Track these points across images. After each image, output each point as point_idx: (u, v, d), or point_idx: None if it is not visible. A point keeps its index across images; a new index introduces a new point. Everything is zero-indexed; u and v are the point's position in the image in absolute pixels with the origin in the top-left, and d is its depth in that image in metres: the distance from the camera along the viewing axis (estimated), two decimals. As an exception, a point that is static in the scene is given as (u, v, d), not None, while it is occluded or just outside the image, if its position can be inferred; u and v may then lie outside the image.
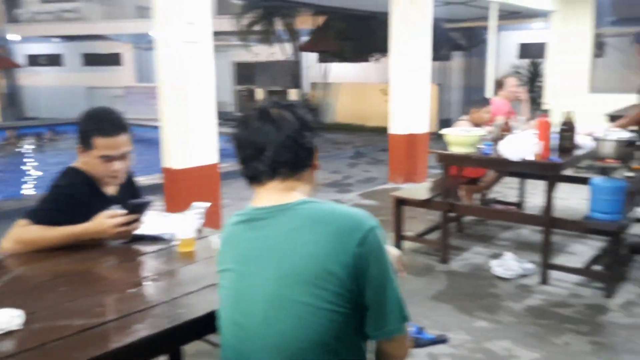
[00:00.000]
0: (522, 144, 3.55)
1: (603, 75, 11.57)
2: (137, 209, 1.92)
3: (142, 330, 1.34)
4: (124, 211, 1.89)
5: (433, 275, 3.91)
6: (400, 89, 6.72)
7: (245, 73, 16.59)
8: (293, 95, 13.71)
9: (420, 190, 4.60)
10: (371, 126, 12.40)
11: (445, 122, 11.47)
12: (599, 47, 11.73)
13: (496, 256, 4.06)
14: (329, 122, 13.82)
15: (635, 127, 4.31)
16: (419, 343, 2.86)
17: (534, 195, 5.76)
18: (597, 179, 3.46)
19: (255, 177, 1.31)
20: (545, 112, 3.73)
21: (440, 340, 2.91)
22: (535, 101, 10.88)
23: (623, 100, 8.19)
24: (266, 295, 1.22)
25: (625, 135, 3.49)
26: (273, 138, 1.27)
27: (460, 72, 14.84)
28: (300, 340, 1.18)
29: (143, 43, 16.17)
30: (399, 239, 4.31)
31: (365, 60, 13.44)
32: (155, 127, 4.91)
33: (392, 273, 1.24)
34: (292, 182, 1.30)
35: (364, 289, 1.20)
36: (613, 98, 8.70)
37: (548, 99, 9.65)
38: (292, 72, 14.41)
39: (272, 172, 1.29)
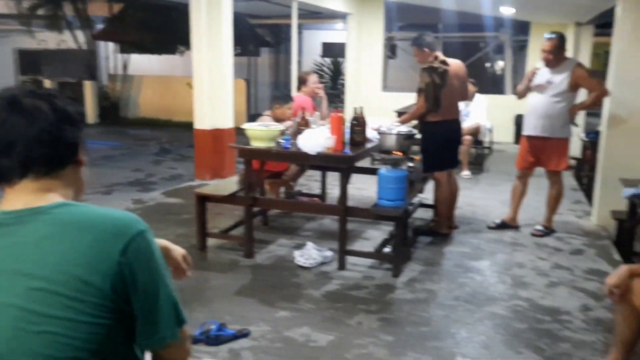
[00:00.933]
0: (318, 138, 3.73)
1: (395, 75, 12.82)
2: None
3: None
4: None
5: (237, 270, 3.91)
6: (203, 83, 6.59)
7: (31, 62, 14.82)
8: (88, 87, 12.64)
9: (225, 186, 4.57)
10: (178, 121, 12.01)
11: (254, 117, 11.64)
12: (391, 50, 12.95)
13: (299, 247, 4.21)
14: (131, 117, 13.07)
15: (415, 122, 4.82)
16: (220, 340, 2.85)
17: (337, 186, 6.13)
18: (382, 170, 3.77)
19: (2, 176, 1.13)
20: (339, 108, 3.96)
21: (241, 335, 2.93)
22: (338, 98, 11.63)
23: (410, 98, 9.14)
24: (14, 311, 1.06)
25: (404, 129, 3.87)
26: (24, 132, 1.11)
27: (268, 67, 15.18)
28: (54, 357, 1.05)
29: None
30: (203, 236, 4.23)
31: (171, 52, 12.99)
32: None
33: (165, 278, 1.16)
34: (49, 182, 1.15)
35: (131, 298, 1.10)
36: (402, 96, 9.67)
37: (348, 96, 10.35)
38: (87, 63, 13.28)
39: (23, 170, 1.12)
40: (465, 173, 7.21)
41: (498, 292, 3.62)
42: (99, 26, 13.13)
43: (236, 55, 7.04)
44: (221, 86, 6.67)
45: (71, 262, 1.06)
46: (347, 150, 3.79)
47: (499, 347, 2.91)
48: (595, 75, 4.71)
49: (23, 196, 1.13)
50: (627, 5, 4.82)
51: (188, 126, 7.60)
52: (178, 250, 1.44)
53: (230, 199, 4.17)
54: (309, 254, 3.99)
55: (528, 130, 4.74)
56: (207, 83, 6.57)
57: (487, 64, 17.15)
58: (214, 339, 2.79)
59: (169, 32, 11.46)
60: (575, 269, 4.04)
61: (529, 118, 4.73)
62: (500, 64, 15.10)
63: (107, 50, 14.03)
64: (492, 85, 15.84)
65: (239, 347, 2.80)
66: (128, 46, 12.91)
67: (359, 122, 3.98)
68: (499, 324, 3.16)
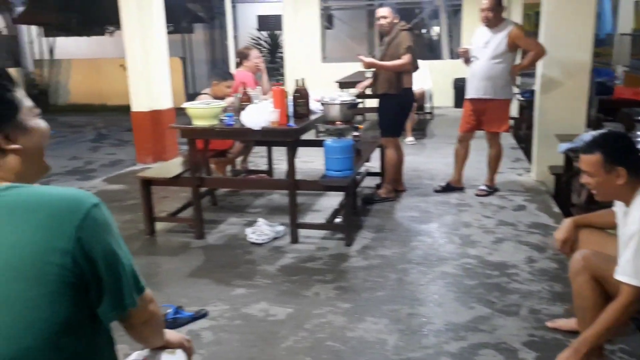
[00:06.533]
0: (261, 113, 3.67)
1: (332, 45, 12.75)
2: None
3: None
4: None
5: (189, 252, 3.84)
6: (137, 63, 6.33)
7: (-54, 50, 13.85)
8: (13, 75, 11.90)
9: (169, 168, 4.45)
10: (113, 105, 11.55)
11: (193, 96, 11.35)
12: (328, 20, 12.86)
13: (250, 224, 4.17)
14: (62, 104, 12.47)
15: (357, 91, 4.85)
16: (178, 322, 2.81)
17: (284, 161, 6.10)
18: (328, 141, 3.77)
19: None
20: (280, 82, 3.89)
21: (199, 316, 2.90)
22: (277, 71, 11.48)
23: (350, 68, 9.14)
24: None
25: (347, 98, 3.86)
26: None
27: (204, 44, 14.77)
28: (20, 339, 1.02)
29: None
30: (151, 221, 4.12)
31: (100, 33, 12.41)
32: None
33: (123, 247, 1.15)
34: None
35: (93, 271, 1.08)
36: (342, 66, 9.65)
37: (287, 69, 10.24)
38: (9, 48, 12.50)
39: None
40: (410, 139, 7.31)
41: (448, 252, 3.72)
42: (19, 9, 12.35)
43: (169, 32, 6.80)
44: (156, 66, 6.44)
45: (29, 243, 1.03)
46: (292, 124, 3.75)
47: (452, 303, 3.00)
48: (530, 35, 4.83)
49: None
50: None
51: (125, 110, 7.33)
52: (176, 336, 1.46)
53: (177, 180, 4.07)
54: (261, 230, 3.96)
55: (470, 93, 4.82)
56: (142, 63, 6.32)
57: (424, 30, 17.36)
58: (172, 323, 2.74)
59: (95, 11, 10.91)
60: (519, 224, 4.21)
61: (470, 81, 4.81)
62: (436, 29, 15.30)
63: (31, 34, 13.25)
64: (429, 50, 16.08)
65: (198, 328, 2.77)
66: (52, 29, 12.22)
67: (301, 94, 3.94)
68: (450, 282, 3.26)
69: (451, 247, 3.80)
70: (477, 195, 4.93)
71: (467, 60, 4.82)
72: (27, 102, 1.18)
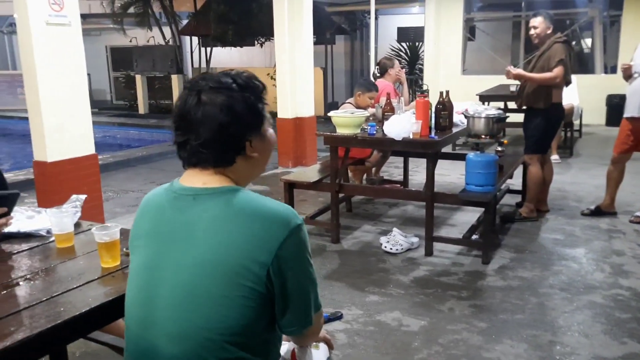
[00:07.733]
0: (404, 124, 3.71)
1: (473, 58, 12.44)
2: (5, 202, 1.73)
3: (17, 333, 1.22)
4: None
5: (325, 255, 3.98)
6: (285, 73, 6.72)
7: (122, 58, 15.67)
8: (175, 81, 13.18)
9: (309, 172, 4.65)
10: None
11: (332, 106, 11.71)
12: (470, 32, 12.58)
13: (384, 233, 4.22)
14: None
15: (501, 104, 4.69)
16: (315, 322, 2.92)
17: (417, 172, 6.09)
18: (471, 154, 3.70)
19: (199, 163, 1.24)
20: (424, 93, 3.90)
21: (335, 318, 3.00)
22: (416, 83, 11.46)
23: (491, 81, 8.86)
24: (179, 280, 1.17)
25: (494, 112, 3.76)
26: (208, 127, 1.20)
27: (344, 55, 15.17)
28: (206, 330, 1.15)
29: (6, 26, 14.74)
30: (291, 221, 4.33)
31: (251, 44, 13.29)
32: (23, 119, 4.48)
33: (312, 268, 1.24)
34: (225, 169, 1.24)
35: (282, 287, 1.18)
36: (483, 79, 9.38)
37: (427, 81, 10.17)
38: (173, 57, 13.86)
39: (195, 160, 1.24)
40: (555, 157, 6.90)
41: (596, 280, 3.47)
42: (184, 22, 13.65)
43: (313, 44, 7.11)
44: (302, 75, 6.78)
45: (237, 246, 1.15)
46: (434, 135, 3.74)
47: (600, 336, 2.80)
48: None
49: (202, 177, 1.24)
50: None
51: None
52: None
53: (317, 185, 4.25)
54: (395, 240, 3.99)
55: (630, 111, 4.43)
56: (289, 73, 6.70)
57: (573, 42, 16.18)
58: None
59: (247, 24, 11.71)
60: (682, 257, 3.80)
61: (631, 98, 4.42)
62: (587, 41, 14.23)
63: (192, 44, 14.57)
64: (579, 64, 14.98)
65: (333, 330, 2.87)
66: (210, 40, 13.34)
67: (444, 107, 3.92)
68: (599, 313, 3.04)
69: (600, 276, 3.54)
70: (632, 222, 4.52)
71: (629, 77, 4.45)
72: (267, 113, 1.30)
